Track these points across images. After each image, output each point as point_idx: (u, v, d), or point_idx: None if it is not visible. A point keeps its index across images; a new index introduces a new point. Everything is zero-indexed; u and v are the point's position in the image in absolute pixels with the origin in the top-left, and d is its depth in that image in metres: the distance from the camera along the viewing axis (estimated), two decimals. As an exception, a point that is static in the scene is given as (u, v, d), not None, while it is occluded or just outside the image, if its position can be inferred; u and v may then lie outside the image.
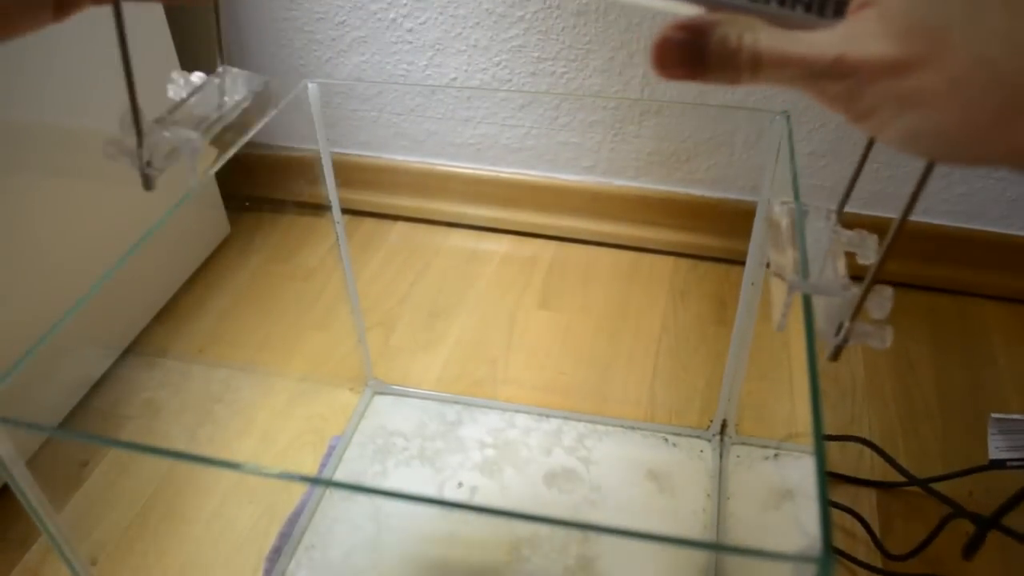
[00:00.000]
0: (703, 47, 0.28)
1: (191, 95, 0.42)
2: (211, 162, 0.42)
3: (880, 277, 0.35)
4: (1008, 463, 0.66)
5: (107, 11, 0.35)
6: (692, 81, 0.29)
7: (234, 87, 0.43)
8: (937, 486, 0.68)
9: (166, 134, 0.38)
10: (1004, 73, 0.24)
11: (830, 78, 0.27)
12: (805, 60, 0.27)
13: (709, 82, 0.29)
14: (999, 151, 0.25)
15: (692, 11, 0.30)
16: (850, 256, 0.38)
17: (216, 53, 0.44)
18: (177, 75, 0.42)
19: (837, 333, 0.35)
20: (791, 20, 0.29)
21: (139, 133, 0.37)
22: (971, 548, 0.58)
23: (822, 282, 0.36)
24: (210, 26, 0.44)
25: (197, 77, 0.42)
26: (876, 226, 0.35)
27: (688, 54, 0.28)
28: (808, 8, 0.29)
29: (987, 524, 0.58)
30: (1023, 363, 0.83)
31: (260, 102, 0.44)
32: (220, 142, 0.42)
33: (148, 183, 0.38)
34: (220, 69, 0.44)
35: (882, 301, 0.35)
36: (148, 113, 0.38)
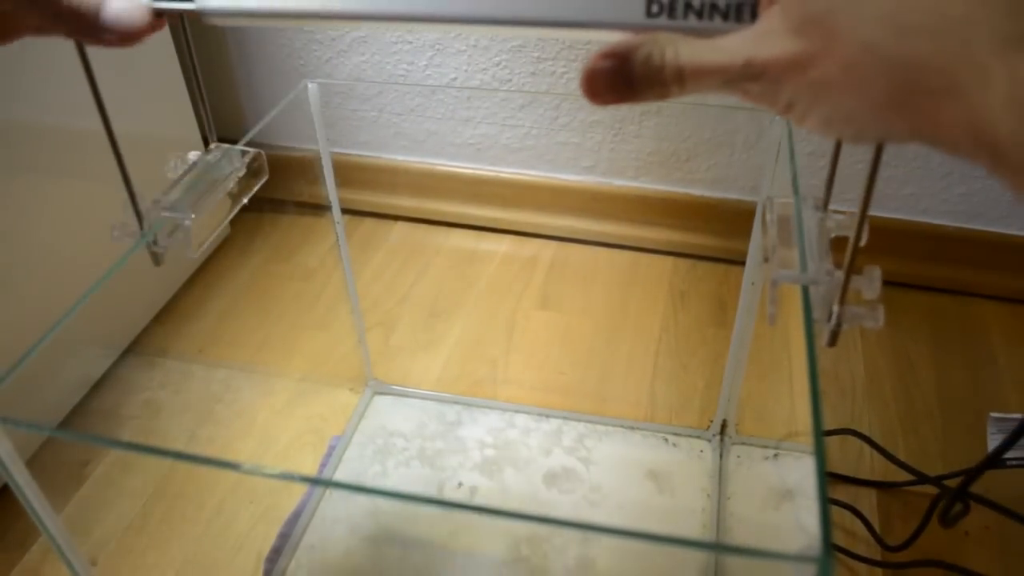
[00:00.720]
0: (630, 71, 0.29)
1: (186, 173, 0.45)
2: (209, 233, 0.45)
3: (871, 265, 0.35)
4: (1008, 462, 0.66)
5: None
6: (624, 104, 0.30)
7: (227, 161, 0.47)
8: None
9: (165, 214, 0.42)
10: (891, 55, 0.24)
11: (746, 80, 0.28)
12: (720, 67, 0.28)
13: (640, 101, 0.30)
14: (903, 129, 0.25)
15: (619, 37, 0.31)
16: (844, 241, 0.38)
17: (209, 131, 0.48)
18: (172, 156, 0.46)
19: (829, 318, 0.35)
20: (715, 30, 0.30)
21: (139, 218, 0.42)
22: (945, 515, 0.59)
23: (806, 271, 0.37)
24: (224, 99, 0.48)
25: (192, 155, 0.46)
26: (874, 225, 0.35)
27: (617, 80, 0.29)
28: (725, 17, 0.30)
29: (958, 491, 0.58)
30: (1023, 363, 0.83)
31: (253, 172, 0.48)
32: (217, 212, 0.45)
33: (156, 260, 0.43)
34: (212, 146, 0.47)
35: (872, 281, 0.35)
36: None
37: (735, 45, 0.28)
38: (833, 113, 0.26)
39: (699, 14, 0.30)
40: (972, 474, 0.57)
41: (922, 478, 0.69)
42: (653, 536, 0.30)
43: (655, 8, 0.31)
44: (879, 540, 0.65)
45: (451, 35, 0.91)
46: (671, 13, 0.30)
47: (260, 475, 0.73)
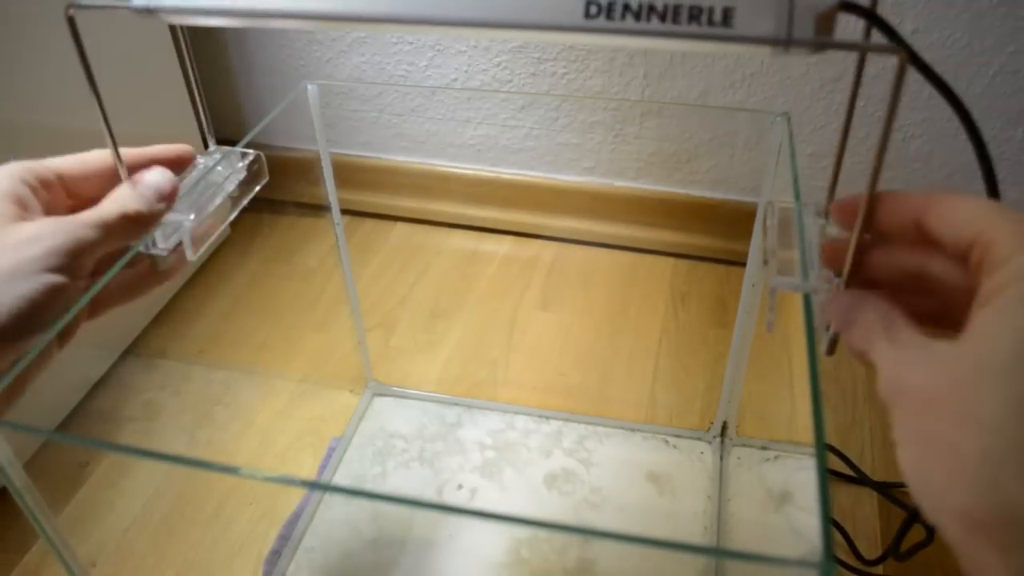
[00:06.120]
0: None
1: (185, 175, 0.45)
2: (208, 236, 0.44)
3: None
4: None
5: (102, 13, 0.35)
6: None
7: (227, 163, 0.47)
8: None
9: (164, 218, 0.42)
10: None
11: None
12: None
13: None
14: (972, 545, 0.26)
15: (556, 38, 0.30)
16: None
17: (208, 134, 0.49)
18: None
19: (828, 327, 0.35)
20: (652, 31, 0.30)
21: None
22: (896, 550, 0.57)
23: (806, 279, 0.36)
24: (223, 99, 0.49)
25: None
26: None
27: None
28: (663, 19, 0.30)
29: (910, 519, 0.57)
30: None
31: (252, 174, 0.48)
32: (216, 215, 0.45)
33: (155, 264, 0.42)
34: (211, 148, 0.47)
35: None
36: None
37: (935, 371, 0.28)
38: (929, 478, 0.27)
39: (636, 16, 0.30)
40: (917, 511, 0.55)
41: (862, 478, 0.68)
42: (652, 541, 0.30)
43: (593, 10, 0.30)
44: (858, 555, 0.64)
45: (452, 35, 0.91)
46: (609, 15, 0.30)
47: (259, 479, 0.73)
